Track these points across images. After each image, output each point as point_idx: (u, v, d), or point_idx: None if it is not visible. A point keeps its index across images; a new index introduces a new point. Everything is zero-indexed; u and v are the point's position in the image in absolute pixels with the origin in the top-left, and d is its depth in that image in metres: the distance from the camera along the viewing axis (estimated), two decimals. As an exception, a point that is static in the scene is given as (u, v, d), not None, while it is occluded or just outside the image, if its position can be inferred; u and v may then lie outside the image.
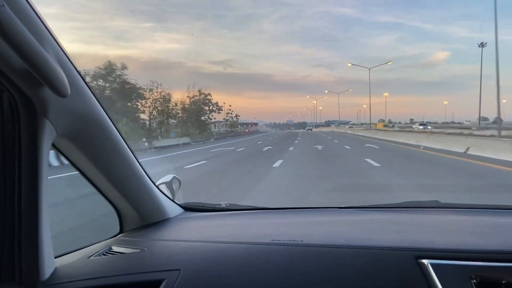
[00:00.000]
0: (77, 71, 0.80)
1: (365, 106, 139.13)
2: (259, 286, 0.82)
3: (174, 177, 1.42)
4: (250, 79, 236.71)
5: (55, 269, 0.87)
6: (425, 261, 0.85)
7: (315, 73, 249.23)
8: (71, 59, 0.78)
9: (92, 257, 0.97)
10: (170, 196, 1.31)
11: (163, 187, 1.31)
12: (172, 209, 1.29)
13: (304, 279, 0.83)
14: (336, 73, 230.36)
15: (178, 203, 1.36)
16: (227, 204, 1.49)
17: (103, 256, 0.98)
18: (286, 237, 1.02)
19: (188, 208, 1.40)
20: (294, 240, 0.99)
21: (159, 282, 0.86)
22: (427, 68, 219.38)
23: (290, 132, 60.42)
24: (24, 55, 0.63)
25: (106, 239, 1.10)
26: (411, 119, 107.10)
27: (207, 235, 1.10)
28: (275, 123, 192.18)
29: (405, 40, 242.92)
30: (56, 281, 0.85)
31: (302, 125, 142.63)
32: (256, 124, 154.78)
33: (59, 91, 0.71)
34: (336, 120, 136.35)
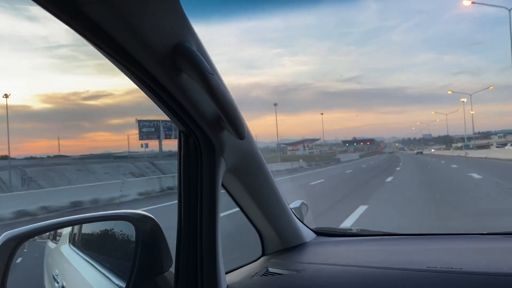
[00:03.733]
0: None
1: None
2: None
3: (302, 203, 1.58)
4: (381, 94, 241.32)
5: (228, 285, 1.06)
6: None
7: (456, 81, 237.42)
8: None
9: (255, 277, 1.18)
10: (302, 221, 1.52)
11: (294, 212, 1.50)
12: (307, 233, 1.47)
13: None
14: (483, 79, 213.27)
15: (310, 228, 1.54)
16: (358, 230, 1.60)
17: (264, 276, 1.18)
18: (442, 264, 1.06)
19: (319, 232, 1.54)
20: (452, 268, 1.03)
21: None
22: None
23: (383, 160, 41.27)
24: (225, 110, 0.84)
25: (254, 261, 1.34)
26: None
27: (354, 260, 1.22)
28: (409, 138, 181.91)
29: None
30: None
31: (444, 139, 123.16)
32: (372, 140, 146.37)
33: (240, 135, 0.91)
34: (500, 131, 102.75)
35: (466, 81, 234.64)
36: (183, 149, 1.00)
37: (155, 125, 53.76)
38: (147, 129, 53.86)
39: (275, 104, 55.14)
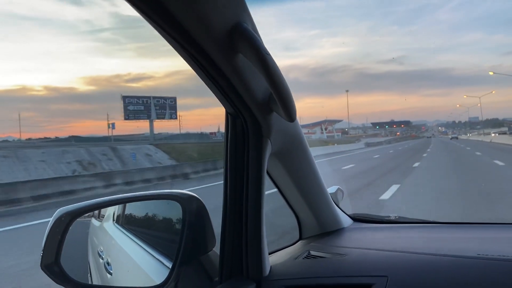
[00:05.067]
0: None
1: None
2: None
3: (338, 189, 1.62)
4: (425, 75, 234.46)
5: (271, 267, 1.12)
6: None
7: (506, 62, 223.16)
8: None
9: (297, 259, 1.24)
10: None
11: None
12: (344, 219, 1.52)
13: None
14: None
15: (347, 213, 1.60)
16: (396, 217, 1.61)
17: (306, 258, 1.24)
18: (493, 252, 1.06)
19: (356, 218, 1.58)
20: (504, 255, 1.03)
21: (368, 286, 1.00)
22: None
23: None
24: (279, 91, 0.84)
25: (292, 244, 1.41)
26: None
27: (399, 246, 1.23)
28: (453, 121, 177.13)
29: None
30: (275, 278, 1.08)
31: (493, 123, 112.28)
32: (408, 122, 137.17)
33: (291, 117, 0.92)
34: None
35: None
36: (230, 130, 1.03)
37: (145, 102, 46.36)
38: (134, 107, 46.11)
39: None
